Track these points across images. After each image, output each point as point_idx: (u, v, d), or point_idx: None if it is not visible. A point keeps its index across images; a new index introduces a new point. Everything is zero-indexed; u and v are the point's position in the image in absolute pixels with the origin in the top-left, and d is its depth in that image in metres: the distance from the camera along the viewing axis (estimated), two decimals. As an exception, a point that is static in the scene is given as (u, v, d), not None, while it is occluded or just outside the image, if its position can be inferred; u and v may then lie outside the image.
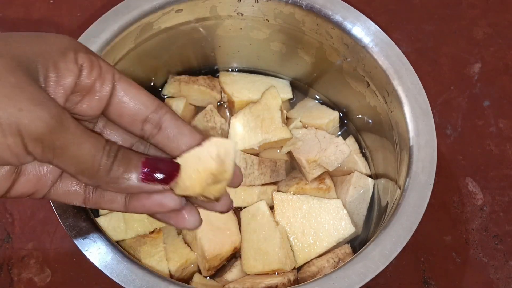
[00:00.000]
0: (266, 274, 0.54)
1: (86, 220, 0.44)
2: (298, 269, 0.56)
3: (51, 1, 0.76)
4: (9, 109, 0.27)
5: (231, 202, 0.37)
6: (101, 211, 0.54)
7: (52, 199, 0.35)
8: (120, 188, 0.32)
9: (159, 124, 0.34)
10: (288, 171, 0.62)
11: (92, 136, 0.31)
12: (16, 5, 0.76)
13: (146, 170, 0.32)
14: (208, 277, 0.55)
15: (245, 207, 0.57)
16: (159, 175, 0.33)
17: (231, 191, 0.56)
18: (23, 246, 0.61)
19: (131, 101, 0.33)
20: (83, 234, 0.43)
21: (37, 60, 0.30)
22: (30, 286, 0.59)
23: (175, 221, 0.36)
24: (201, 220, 0.36)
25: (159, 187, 0.33)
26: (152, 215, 0.37)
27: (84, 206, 0.35)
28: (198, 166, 0.33)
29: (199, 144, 0.34)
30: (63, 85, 0.31)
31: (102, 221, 0.51)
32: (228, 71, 0.68)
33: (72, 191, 0.35)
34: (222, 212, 0.37)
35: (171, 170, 0.33)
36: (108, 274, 0.41)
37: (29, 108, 0.28)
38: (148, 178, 0.32)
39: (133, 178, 0.32)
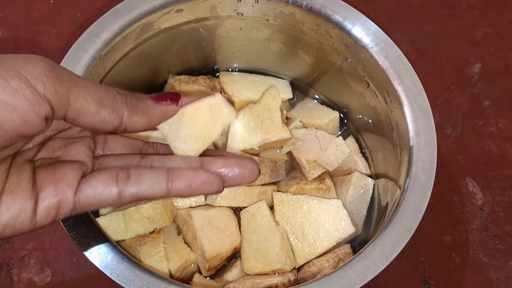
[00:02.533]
0: (266, 274, 0.54)
1: (86, 220, 0.44)
2: (298, 269, 0.56)
3: (51, 1, 0.76)
4: (6, 62, 0.28)
5: (258, 169, 0.37)
6: (101, 211, 0.54)
7: (84, 206, 0.32)
8: (143, 114, 0.33)
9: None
10: (288, 171, 0.62)
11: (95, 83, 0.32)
12: (16, 5, 0.76)
13: (153, 95, 0.34)
14: (208, 277, 0.55)
15: (245, 207, 0.57)
16: (167, 96, 0.35)
17: (231, 192, 0.57)
18: (23, 246, 0.61)
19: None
20: (83, 234, 0.43)
21: None
22: (30, 286, 0.59)
23: (240, 180, 0.36)
24: (259, 170, 0.37)
25: (171, 105, 0.35)
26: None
27: (120, 203, 0.33)
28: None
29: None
30: None
31: (102, 221, 0.51)
32: (228, 71, 0.68)
33: (101, 189, 0.32)
34: (253, 181, 0.37)
35: (174, 94, 0.35)
36: (108, 274, 0.41)
37: (24, 58, 0.28)
38: (157, 97, 0.34)
39: (147, 101, 0.34)
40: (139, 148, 0.37)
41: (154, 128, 0.35)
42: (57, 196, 0.31)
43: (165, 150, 0.37)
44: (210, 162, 0.36)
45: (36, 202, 0.30)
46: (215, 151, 0.38)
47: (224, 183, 0.35)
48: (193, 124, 0.36)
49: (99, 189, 0.32)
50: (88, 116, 0.31)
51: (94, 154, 0.36)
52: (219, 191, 0.35)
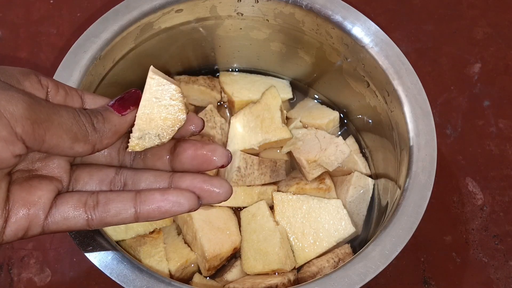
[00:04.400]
0: (266, 274, 0.54)
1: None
2: (298, 269, 0.56)
3: (51, 1, 0.76)
4: None
5: (230, 189, 0.37)
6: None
7: (52, 230, 0.33)
8: (112, 134, 0.34)
9: None
10: (288, 171, 0.62)
11: (60, 104, 0.33)
12: (16, 5, 0.76)
13: (115, 104, 0.35)
14: (208, 277, 0.55)
15: (245, 207, 0.57)
16: (127, 101, 0.35)
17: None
18: (23, 246, 0.61)
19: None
20: (83, 234, 0.43)
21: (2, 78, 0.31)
22: (30, 286, 0.59)
23: (208, 199, 0.36)
24: (231, 189, 0.37)
25: (133, 109, 0.35)
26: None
27: (89, 228, 0.34)
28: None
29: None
30: None
31: (102, 221, 0.51)
32: (228, 71, 0.68)
33: (71, 215, 0.34)
34: (223, 200, 0.36)
35: (132, 93, 0.36)
36: (108, 274, 0.41)
37: (6, 97, 0.28)
38: (120, 108, 0.35)
39: (113, 118, 0.34)
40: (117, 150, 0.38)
41: None
42: (28, 219, 0.32)
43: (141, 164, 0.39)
44: (179, 179, 0.36)
45: (6, 221, 0.31)
46: (186, 141, 0.37)
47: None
48: (153, 117, 0.36)
49: (68, 215, 0.33)
50: (61, 150, 0.32)
51: (73, 162, 0.37)
52: (192, 209, 0.35)
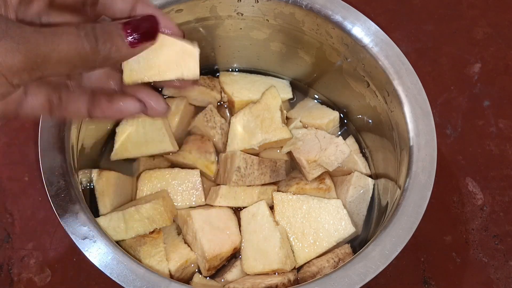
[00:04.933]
0: (266, 274, 0.54)
1: (86, 220, 0.44)
2: (298, 269, 0.56)
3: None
4: None
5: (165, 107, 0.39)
6: (101, 211, 0.54)
7: (22, 116, 0.35)
8: (116, 61, 0.34)
9: None
10: (288, 171, 0.62)
11: (60, 30, 0.31)
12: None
13: (130, 35, 0.33)
14: (208, 277, 0.55)
15: (245, 207, 0.57)
16: (144, 34, 0.34)
17: (231, 192, 0.57)
18: (23, 246, 0.61)
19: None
20: (83, 234, 0.43)
21: None
22: (30, 286, 0.59)
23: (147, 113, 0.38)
24: (168, 106, 0.39)
25: (148, 44, 0.34)
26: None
27: (50, 116, 0.37)
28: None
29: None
30: None
31: (102, 221, 0.51)
32: (228, 71, 0.68)
33: (37, 105, 0.35)
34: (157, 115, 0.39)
35: (152, 23, 0.35)
36: (108, 274, 0.41)
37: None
38: (135, 42, 0.34)
39: (123, 47, 0.33)
40: None
41: None
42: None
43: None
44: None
45: None
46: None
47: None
48: (156, 51, 0.36)
49: (36, 111, 0.36)
50: (59, 74, 0.34)
51: None
52: (137, 112, 0.38)
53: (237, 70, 0.68)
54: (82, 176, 0.54)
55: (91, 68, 0.33)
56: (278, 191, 0.59)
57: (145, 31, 0.34)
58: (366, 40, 0.53)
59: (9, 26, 0.30)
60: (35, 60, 0.30)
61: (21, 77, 0.30)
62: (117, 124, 0.60)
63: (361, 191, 0.59)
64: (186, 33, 0.59)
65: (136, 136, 0.59)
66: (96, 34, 0.32)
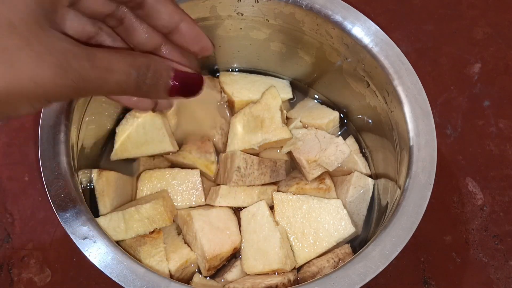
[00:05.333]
0: (266, 274, 0.54)
1: (86, 220, 0.44)
2: (298, 269, 0.56)
3: None
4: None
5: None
6: (101, 211, 0.54)
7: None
8: (148, 97, 0.35)
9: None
10: (288, 171, 0.62)
11: (114, 67, 0.31)
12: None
13: (175, 86, 0.34)
14: (208, 277, 0.55)
15: (245, 207, 0.57)
16: (187, 91, 0.35)
17: (231, 192, 0.57)
18: (23, 246, 0.61)
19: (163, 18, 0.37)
20: (83, 234, 0.43)
21: None
22: (30, 286, 0.59)
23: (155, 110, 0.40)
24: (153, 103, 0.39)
25: (185, 99, 0.36)
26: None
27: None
28: None
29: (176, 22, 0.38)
30: None
31: (102, 221, 0.51)
32: (228, 71, 0.68)
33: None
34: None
35: (198, 84, 0.36)
36: (108, 274, 0.41)
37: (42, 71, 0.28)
38: (175, 92, 0.35)
39: (162, 93, 0.34)
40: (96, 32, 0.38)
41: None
42: None
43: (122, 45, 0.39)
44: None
45: None
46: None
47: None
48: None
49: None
50: None
51: None
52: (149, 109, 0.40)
53: (237, 70, 0.68)
54: (82, 176, 0.54)
55: (124, 95, 0.34)
56: (278, 191, 0.59)
57: (190, 89, 0.35)
58: (366, 40, 0.53)
59: (68, 50, 0.30)
60: (78, 88, 0.30)
61: (57, 99, 0.30)
62: (117, 124, 0.60)
63: (361, 191, 0.59)
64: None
65: (136, 136, 0.59)
66: (147, 76, 0.33)
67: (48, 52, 0.28)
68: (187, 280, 0.55)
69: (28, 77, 0.28)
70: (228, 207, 0.58)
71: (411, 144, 0.49)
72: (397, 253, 0.43)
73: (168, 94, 0.34)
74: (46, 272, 0.60)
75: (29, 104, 0.29)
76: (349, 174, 0.60)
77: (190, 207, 0.58)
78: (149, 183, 0.57)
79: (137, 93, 0.33)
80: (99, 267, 0.42)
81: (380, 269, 0.43)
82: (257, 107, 0.61)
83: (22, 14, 0.28)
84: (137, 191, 0.58)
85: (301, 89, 0.68)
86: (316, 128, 0.62)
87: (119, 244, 0.48)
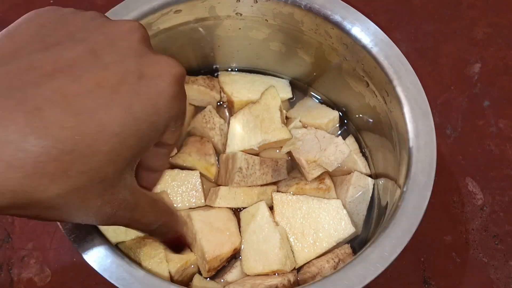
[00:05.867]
0: (266, 275, 0.54)
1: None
2: (298, 269, 0.56)
3: (51, 1, 0.76)
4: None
5: None
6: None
7: None
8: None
9: None
10: (288, 171, 0.62)
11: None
12: (16, 5, 0.75)
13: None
14: (208, 278, 0.55)
15: (244, 208, 0.57)
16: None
17: (231, 192, 0.57)
18: (23, 246, 0.61)
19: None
20: (82, 237, 0.43)
21: None
22: (30, 286, 0.59)
23: None
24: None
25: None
26: None
27: None
28: None
29: None
30: None
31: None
32: (227, 71, 0.68)
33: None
34: None
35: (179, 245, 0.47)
36: (107, 278, 0.41)
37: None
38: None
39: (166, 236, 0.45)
40: None
41: None
42: None
43: None
44: None
45: None
46: None
47: None
48: None
49: None
50: None
51: None
52: None
53: (236, 70, 0.68)
54: (81, 177, 0.54)
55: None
56: (277, 191, 0.59)
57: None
58: (366, 40, 0.53)
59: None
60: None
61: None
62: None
63: (361, 191, 0.59)
64: (185, 34, 0.59)
65: None
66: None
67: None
68: (187, 281, 0.55)
69: None
70: (227, 208, 0.57)
71: (411, 144, 0.49)
72: (396, 255, 0.43)
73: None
74: (46, 272, 0.60)
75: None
76: (349, 174, 0.60)
77: (190, 208, 0.58)
78: (148, 184, 0.57)
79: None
80: (98, 271, 0.42)
81: (380, 271, 0.43)
82: (256, 107, 0.61)
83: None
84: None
85: (300, 88, 0.68)
86: (315, 128, 0.62)
87: (118, 247, 0.48)
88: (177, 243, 0.50)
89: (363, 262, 0.43)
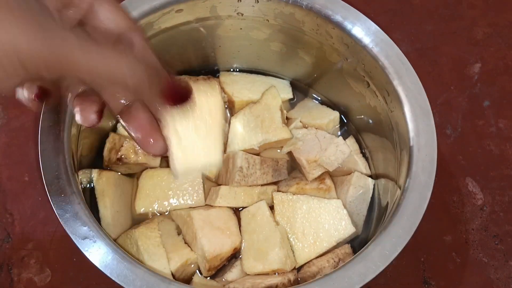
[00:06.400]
0: (266, 274, 0.54)
1: (86, 220, 0.44)
2: (298, 269, 0.56)
3: None
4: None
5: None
6: (101, 211, 0.54)
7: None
8: (139, 98, 0.35)
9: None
10: (288, 171, 0.62)
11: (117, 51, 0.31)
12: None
13: (169, 93, 0.34)
14: (208, 277, 0.55)
15: (245, 207, 0.57)
16: (176, 102, 0.35)
17: (231, 192, 0.57)
18: (23, 246, 0.61)
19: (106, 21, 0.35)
20: (83, 234, 0.43)
21: None
22: (30, 286, 0.59)
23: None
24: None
25: (174, 109, 0.35)
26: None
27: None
28: None
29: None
30: None
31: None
32: (228, 71, 0.68)
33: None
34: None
35: (188, 98, 0.35)
36: (108, 274, 0.41)
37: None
38: (169, 95, 0.34)
39: (156, 91, 0.34)
40: None
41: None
42: None
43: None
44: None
45: None
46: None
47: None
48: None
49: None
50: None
51: None
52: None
53: (237, 70, 0.68)
54: (82, 176, 0.54)
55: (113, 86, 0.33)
56: (278, 191, 0.59)
57: (183, 93, 0.35)
58: (366, 40, 0.53)
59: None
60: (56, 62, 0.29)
61: (37, 70, 0.29)
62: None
63: (361, 191, 0.59)
64: (186, 33, 0.59)
65: None
66: (142, 68, 0.33)
67: (31, 15, 0.28)
68: (187, 280, 0.55)
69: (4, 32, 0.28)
70: (228, 207, 0.57)
71: (411, 144, 0.49)
72: (397, 253, 0.43)
73: (163, 99, 0.34)
74: (46, 272, 0.60)
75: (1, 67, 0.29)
76: (349, 174, 0.60)
77: (190, 207, 0.58)
78: (150, 181, 0.57)
79: (128, 84, 0.32)
80: (99, 267, 0.42)
81: (380, 269, 0.43)
82: (257, 107, 0.61)
83: None
84: (138, 188, 0.57)
85: (301, 89, 0.68)
86: (316, 128, 0.62)
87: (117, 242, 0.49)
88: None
89: (363, 260, 0.43)
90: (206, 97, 0.38)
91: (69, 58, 0.30)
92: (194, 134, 0.38)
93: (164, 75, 0.36)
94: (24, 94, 0.34)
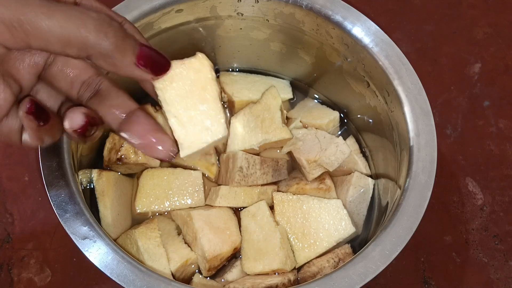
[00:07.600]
0: (266, 274, 0.54)
1: (86, 220, 0.44)
2: (298, 269, 0.56)
3: None
4: None
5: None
6: (101, 211, 0.54)
7: None
8: (111, 68, 0.33)
9: (95, 89, 0.35)
10: (289, 171, 0.62)
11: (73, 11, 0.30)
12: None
13: (142, 55, 0.33)
14: (208, 277, 0.55)
15: (245, 207, 0.57)
16: (154, 65, 0.34)
17: (231, 192, 0.57)
18: (23, 246, 0.61)
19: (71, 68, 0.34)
20: (83, 234, 0.43)
21: None
22: (30, 286, 0.59)
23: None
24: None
25: (149, 76, 0.34)
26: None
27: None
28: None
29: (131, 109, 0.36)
30: None
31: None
32: (228, 71, 0.68)
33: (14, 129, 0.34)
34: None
35: (165, 64, 0.34)
36: (108, 274, 0.41)
37: None
38: (142, 64, 0.33)
39: (131, 54, 0.32)
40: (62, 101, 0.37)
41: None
42: None
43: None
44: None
45: None
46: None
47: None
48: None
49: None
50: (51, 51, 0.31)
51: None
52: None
53: (237, 70, 0.68)
54: (82, 176, 0.54)
55: (82, 56, 0.31)
56: (278, 191, 0.59)
57: (158, 61, 0.34)
58: (366, 40, 0.53)
59: None
60: (20, 18, 0.28)
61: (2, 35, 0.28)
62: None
63: (361, 191, 0.59)
64: (186, 33, 0.59)
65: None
66: (115, 29, 0.31)
67: None
68: (187, 280, 0.55)
69: None
70: (228, 207, 0.58)
71: (411, 144, 0.49)
72: (397, 253, 0.43)
73: (136, 59, 0.32)
74: (46, 272, 0.60)
75: None
76: (349, 174, 0.60)
77: (190, 208, 0.58)
78: (150, 181, 0.57)
79: (100, 45, 0.30)
80: (99, 267, 0.42)
81: (380, 269, 0.43)
82: (257, 107, 0.61)
83: None
84: (138, 188, 0.58)
85: (301, 89, 0.68)
86: (316, 128, 0.62)
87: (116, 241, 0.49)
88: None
89: (363, 260, 0.43)
90: (196, 72, 0.37)
91: (33, 21, 0.28)
92: (192, 111, 0.37)
93: (138, 37, 0.34)
94: (19, 113, 0.33)
